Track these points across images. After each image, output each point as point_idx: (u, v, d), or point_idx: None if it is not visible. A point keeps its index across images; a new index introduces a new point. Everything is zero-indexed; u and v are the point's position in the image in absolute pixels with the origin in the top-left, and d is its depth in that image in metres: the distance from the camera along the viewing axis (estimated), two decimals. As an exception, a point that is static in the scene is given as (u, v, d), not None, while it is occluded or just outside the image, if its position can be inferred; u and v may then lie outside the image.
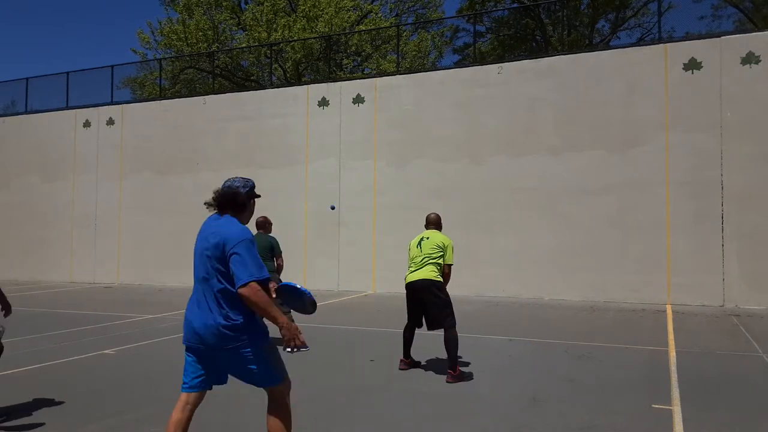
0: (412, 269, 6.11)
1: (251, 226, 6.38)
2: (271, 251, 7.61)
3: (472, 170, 13.82)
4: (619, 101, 12.72)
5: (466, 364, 6.50)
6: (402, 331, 6.42)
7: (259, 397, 5.35)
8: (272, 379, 3.30)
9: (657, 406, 5.01)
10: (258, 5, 26.61)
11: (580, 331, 8.91)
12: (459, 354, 6.16)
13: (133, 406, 5.06)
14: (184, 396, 3.32)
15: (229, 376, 3.43)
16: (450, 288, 6.21)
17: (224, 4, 27.48)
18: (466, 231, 13.32)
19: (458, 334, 5.92)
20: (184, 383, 3.34)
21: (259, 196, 3.53)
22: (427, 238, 6.15)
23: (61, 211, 18.41)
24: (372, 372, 6.31)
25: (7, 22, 66.14)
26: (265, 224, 7.90)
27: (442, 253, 6.04)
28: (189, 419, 3.30)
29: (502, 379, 6.01)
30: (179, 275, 16.41)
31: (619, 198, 12.55)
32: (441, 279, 6.03)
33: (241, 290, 3.09)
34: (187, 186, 16.81)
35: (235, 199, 3.33)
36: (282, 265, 7.75)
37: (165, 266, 16.69)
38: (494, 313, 10.97)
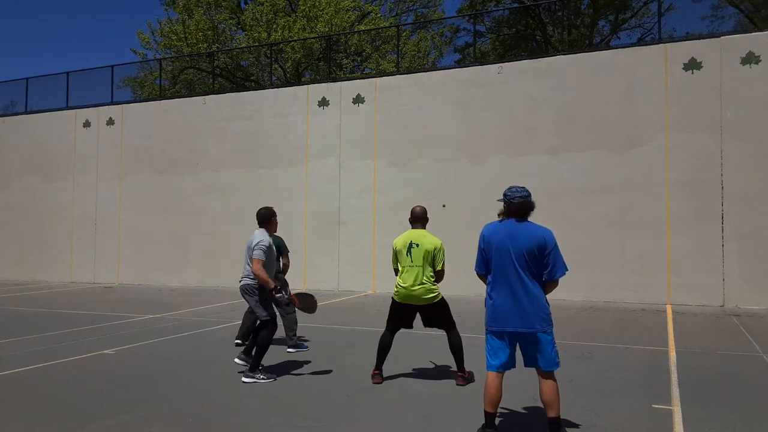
0: (406, 283, 5.68)
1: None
2: (277, 251, 7.26)
3: (472, 170, 13.81)
4: (619, 101, 12.71)
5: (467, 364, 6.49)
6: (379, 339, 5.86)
7: (258, 397, 5.35)
8: (556, 363, 4.11)
9: (657, 406, 5.02)
10: (258, 5, 26.61)
11: (580, 331, 8.91)
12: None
13: (133, 406, 5.06)
14: (493, 374, 4.13)
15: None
16: (450, 288, 6.21)
17: (224, 4, 27.49)
18: (465, 231, 13.27)
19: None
20: (496, 366, 4.12)
21: None
22: (417, 246, 5.69)
23: (61, 211, 18.40)
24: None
25: (7, 22, 66.16)
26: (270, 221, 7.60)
27: (433, 260, 5.70)
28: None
29: (502, 379, 6.00)
30: (179, 275, 16.42)
31: (619, 198, 12.55)
32: (436, 287, 5.72)
33: (557, 282, 4.08)
34: (187, 186, 16.81)
35: (531, 208, 4.17)
36: (288, 265, 7.56)
37: (165, 266, 16.69)
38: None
